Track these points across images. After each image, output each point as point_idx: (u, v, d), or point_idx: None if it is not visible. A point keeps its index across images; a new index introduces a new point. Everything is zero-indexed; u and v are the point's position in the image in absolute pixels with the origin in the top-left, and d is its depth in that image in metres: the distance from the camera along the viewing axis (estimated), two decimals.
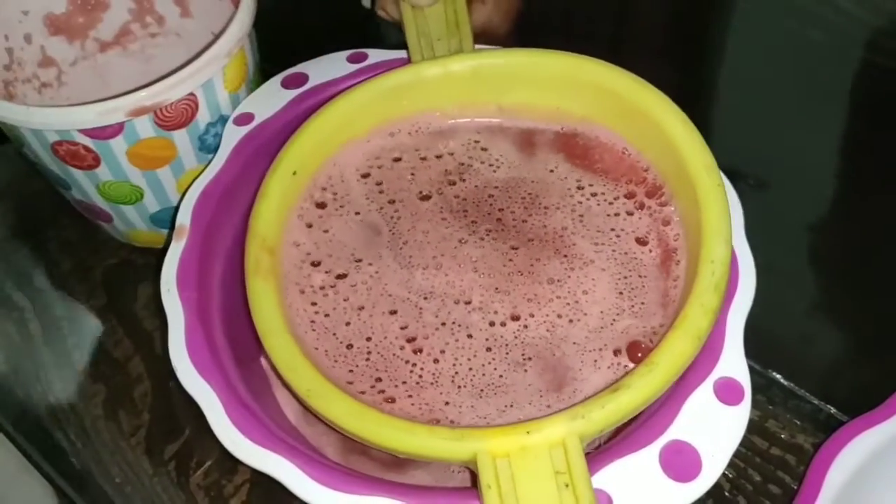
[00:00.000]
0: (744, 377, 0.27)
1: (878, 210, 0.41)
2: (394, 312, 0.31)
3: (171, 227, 0.33)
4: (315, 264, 0.32)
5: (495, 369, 0.30)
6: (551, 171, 0.35)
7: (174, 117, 0.34)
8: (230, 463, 0.35)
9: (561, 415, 0.25)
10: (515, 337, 0.30)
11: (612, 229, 0.32)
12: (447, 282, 0.32)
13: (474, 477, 0.26)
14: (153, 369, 0.38)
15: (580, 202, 0.33)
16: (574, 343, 0.30)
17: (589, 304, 0.31)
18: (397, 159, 0.35)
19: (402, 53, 0.37)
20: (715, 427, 0.26)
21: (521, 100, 0.35)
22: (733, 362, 0.27)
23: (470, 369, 0.30)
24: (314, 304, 0.31)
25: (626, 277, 0.31)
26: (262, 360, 0.35)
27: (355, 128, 0.35)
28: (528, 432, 0.25)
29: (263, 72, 0.39)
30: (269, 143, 0.35)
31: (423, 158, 0.35)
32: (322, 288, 0.32)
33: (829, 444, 0.31)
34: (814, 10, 0.50)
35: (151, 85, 0.33)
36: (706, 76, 0.49)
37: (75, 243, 0.43)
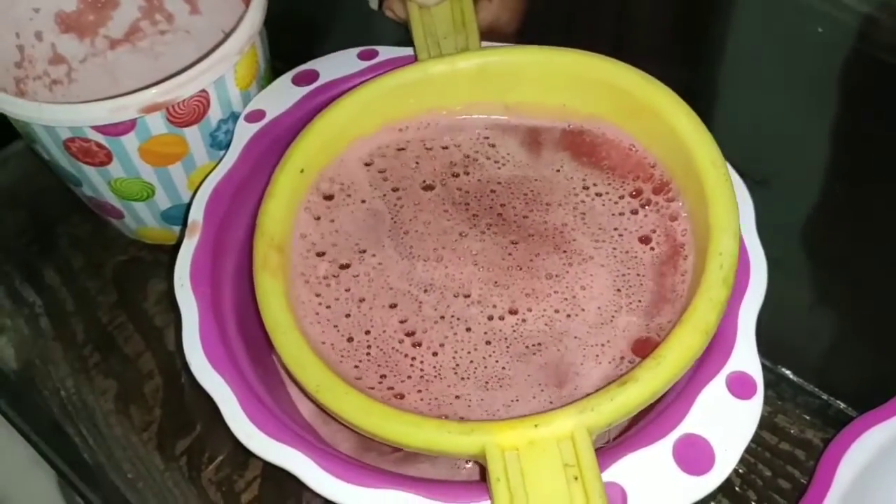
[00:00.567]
0: (756, 371, 0.27)
1: (885, 205, 0.42)
2: (394, 306, 0.31)
3: (183, 223, 0.33)
4: (320, 254, 0.33)
5: (497, 361, 0.30)
6: (557, 170, 0.35)
7: (186, 114, 0.34)
8: (242, 458, 0.35)
9: (569, 408, 0.25)
10: (514, 331, 0.30)
11: (615, 228, 0.33)
12: (447, 274, 0.32)
13: (483, 471, 0.26)
14: (164, 365, 0.38)
15: (584, 201, 0.34)
16: (575, 337, 0.30)
17: (586, 300, 0.31)
18: (401, 149, 0.35)
19: (412, 50, 0.37)
20: (728, 421, 0.26)
21: (527, 97, 0.35)
22: (745, 356, 0.27)
23: (471, 362, 0.30)
24: (318, 294, 0.32)
25: (624, 275, 0.31)
26: (274, 356, 0.35)
27: (362, 126, 0.35)
28: (536, 425, 0.25)
29: (273, 69, 0.39)
30: (280, 140, 0.35)
31: (429, 149, 0.35)
32: (325, 278, 0.32)
33: (838, 440, 0.32)
34: (815, 5, 0.50)
35: (163, 82, 0.33)
36: (709, 73, 0.49)
37: (86, 240, 0.43)
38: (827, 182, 0.43)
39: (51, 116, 0.33)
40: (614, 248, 0.32)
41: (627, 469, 0.25)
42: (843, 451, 0.31)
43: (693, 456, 0.25)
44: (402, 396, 0.29)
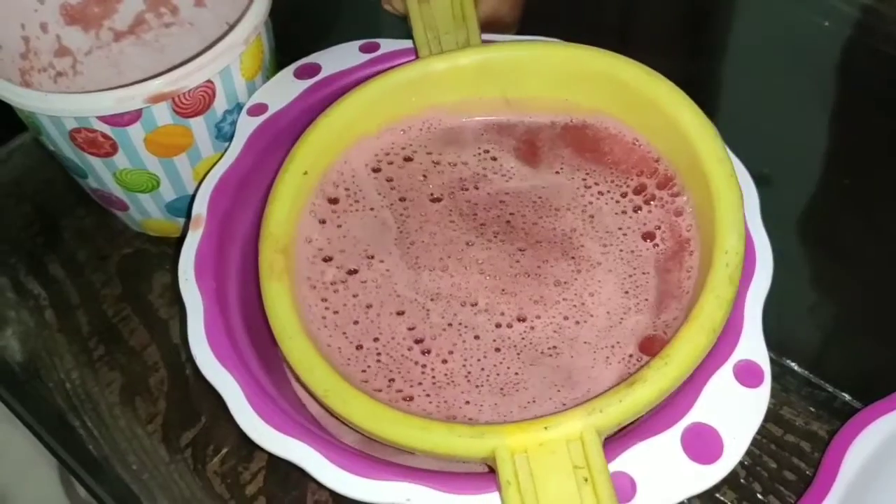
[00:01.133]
0: (763, 359, 0.27)
1: (891, 197, 0.42)
2: (401, 313, 0.31)
3: (187, 216, 0.33)
4: (327, 260, 0.33)
5: (508, 368, 0.30)
6: (557, 172, 0.34)
7: (192, 104, 0.34)
8: (246, 450, 0.35)
9: (578, 409, 0.25)
10: (522, 338, 0.30)
11: (620, 228, 0.33)
12: (453, 283, 0.32)
13: (493, 473, 0.26)
14: (169, 357, 0.38)
15: (590, 202, 0.33)
16: (585, 342, 0.30)
17: (595, 306, 0.31)
18: (408, 159, 0.35)
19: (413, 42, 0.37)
20: (735, 409, 0.26)
21: (529, 93, 0.35)
22: (753, 345, 0.27)
23: (482, 369, 0.30)
24: (324, 300, 0.32)
25: (630, 276, 0.31)
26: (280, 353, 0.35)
27: (365, 125, 0.35)
28: (545, 428, 0.25)
29: (276, 61, 0.39)
30: (282, 133, 0.35)
31: (437, 163, 0.35)
32: (333, 283, 0.32)
33: (844, 432, 0.32)
34: None
35: (169, 72, 0.33)
36: (712, 66, 0.49)
37: (91, 233, 0.43)
38: (833, 175, 0.43)
39: (57, 106, 0.32)
40: (621, 251, 0.32)
41: (636, 458, 0.25)
42: (849, 442, 0.31)
43: (702, 445, 0.25)
44: (410, 399, 0.29)
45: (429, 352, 0.30)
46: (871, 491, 0.30)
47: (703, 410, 0.26)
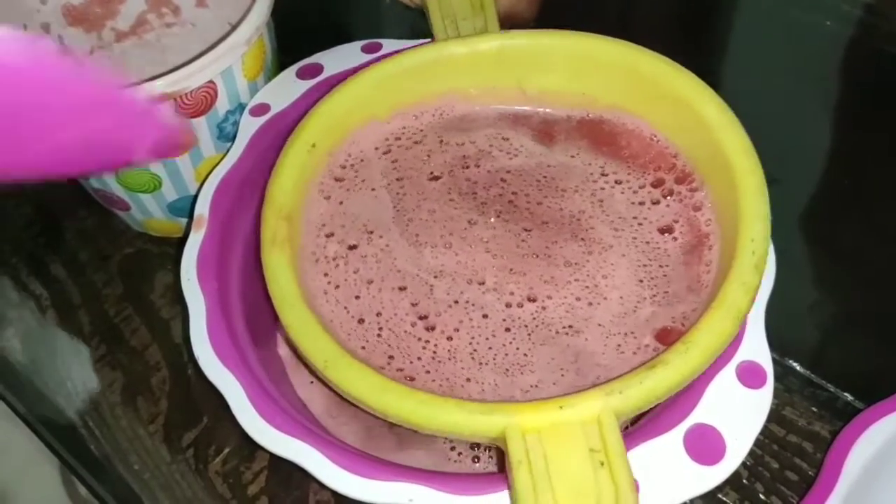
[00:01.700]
0: (766, 360, 0.27)
1: (893, 197, 0.42)
2: (403, 289, 0.31)
3: (189, 216, 0.33)
4: (329, 235, 0.32)
5: (518, 348, 0.29)
6: (573, 156, 0.34)
7: (194, 105, 0.34)
8: (248, 450, 0.35)
9: (596, 390, 0.24)
10: (534, 318, 0.30)
11: (635, 217, 0.32)
12: (458, 261, 0.32)
13: (500, 457, 0.26)
14: (171, 357, 0.38)
15: (602, 188, 0.33)
16: (599, 325, 0.30)
17: (608, 289, 0.30)
18: (417, 142, 0.35)
19: (416, 43, 0.37)
20: (738, 410, 0.26)
21: (547, 85, 0.35)
22: (755, 346, 0.27)
23: (490, 348, 0.29)
24: (326, 274, 0.31)
25: (645, 266, 0.31)
26: (280, 350, 0.35)
27: (377, 106, 0.35)
28: (561, 407, 0.24)
29: (278, 62, 0.39)
30: (285, 134, 0.35)
31: (442, 141, 0.35)
32: (334, 258, 0.32)
33: (846, 432, 0.32)
34: None
35: (171, 73, 0.33)
36: (714, 65, 0.49)
37: (92, 232, 0.43)
38: (834, 175, 0.43)
39: None
40: (635, 238, 0.32)
41: (639, 459, 0.25)
42: (851, 442, 0.31)
43: (704, 446, 0.25)
44: (412, 378, 0.29)
45: (433, 328, 0.30)
46: (873, 491, 0.30)
47: (705, 411, 0.26)
